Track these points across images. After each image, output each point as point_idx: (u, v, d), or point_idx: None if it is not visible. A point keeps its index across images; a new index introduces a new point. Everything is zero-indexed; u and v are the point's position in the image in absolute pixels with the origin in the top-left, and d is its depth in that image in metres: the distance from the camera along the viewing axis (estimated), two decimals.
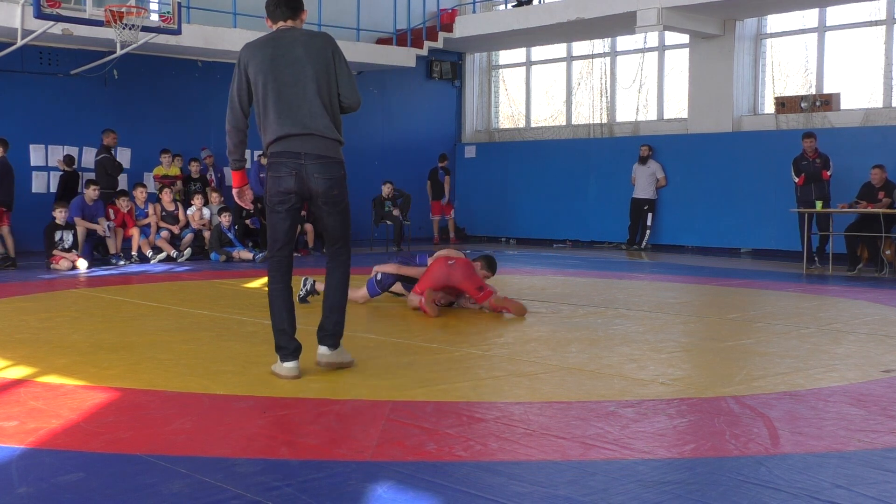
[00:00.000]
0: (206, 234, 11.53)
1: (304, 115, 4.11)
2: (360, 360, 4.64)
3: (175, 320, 6.12)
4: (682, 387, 4.11)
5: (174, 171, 12.34)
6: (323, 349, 4.31)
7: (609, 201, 14.52)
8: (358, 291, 6.77)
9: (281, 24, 4.28)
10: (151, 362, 4.60)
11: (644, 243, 13.87)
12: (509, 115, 16.96)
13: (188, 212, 11.70)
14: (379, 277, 6.78)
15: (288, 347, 4.18)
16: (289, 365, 4.19)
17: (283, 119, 4.12)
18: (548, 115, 16.38)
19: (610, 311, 6.69)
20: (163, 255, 11.12)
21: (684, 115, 14.24)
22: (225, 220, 11.31)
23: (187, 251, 11.18)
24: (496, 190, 16.02)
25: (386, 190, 13.75)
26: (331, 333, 4.30)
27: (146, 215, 11.36)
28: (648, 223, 13.85)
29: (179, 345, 5.12)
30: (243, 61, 4.21)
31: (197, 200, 11.77)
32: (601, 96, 15.26)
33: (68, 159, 11.93)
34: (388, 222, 13.67)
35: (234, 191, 4.38)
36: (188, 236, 11.48)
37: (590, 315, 6.45)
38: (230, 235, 11.32)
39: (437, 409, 3.61)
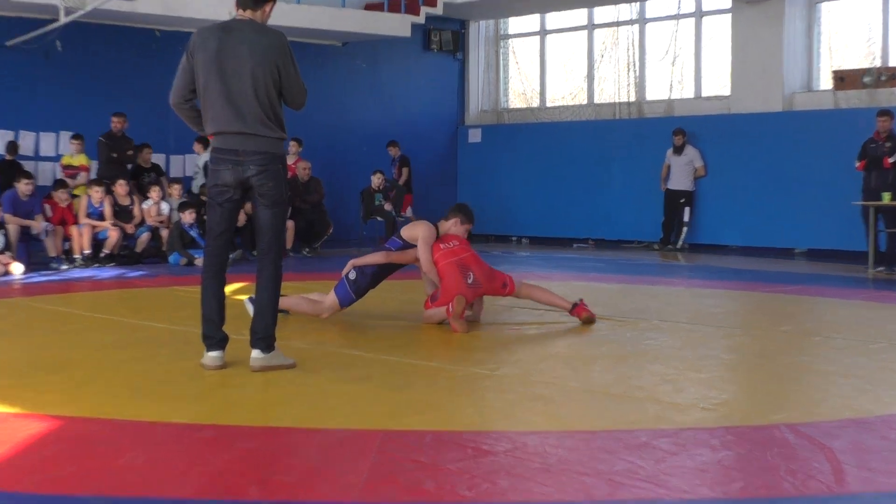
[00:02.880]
0: (165, 232, 11.50)
1: (243, 113, 4.75)
2: (345, 382, 4.63)
3: (127, 335, 6.09)
4: (728, 412, 4.09)
5: (81, 160, 12.16)
6: (255, 353, 4.83)
7: (638, 193, 14.51)
8: (324, 301, 6.44)
9: (240, 12, 4.89)
10: (99, 385, 4.58)
11: (680, 242, 13.87)
12: (521, 93, 16.96)
13: (143, 206, 11.67)
14: (353, 276, 6.40)
15: (214, 337, 4.86)
16: (213, 354, 4.86)
17: (222, 114, 4.77)
18: (566, 92, 16.39)
19: (641, 322, 6.67)
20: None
21: (726, 91, 14.23)
22: (187, 216, 11.27)
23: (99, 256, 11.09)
24: (505, 180, 16.01)
25: (376, 180, 13.74)
26: (262, 336, 4.83)
27: (100, 214, 11.22)
28: (685, 219, 13.85)
29: (132, 364, 5.10)
30: (191, 47, 4.84)
31: (154, 193, 11.73)
32: (628, 70, 15.25)
33: (10, 146, 11.93)
34: (379, 218, 13.66)
35: None
36: (144, 235, 11.46)
37: (617, 327, 6.43)
38: (193, 234, 11.28)
39: (436, 440, 3.59)
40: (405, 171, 14.90)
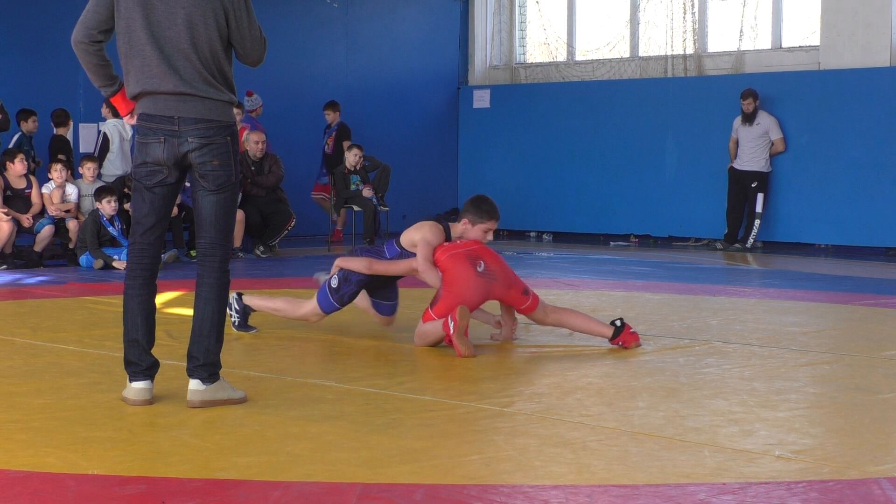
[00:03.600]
0: (72, 225, 11.49)
1: (179, 68, 4.80)
2: (311, 422, 4.65)
3: (25, 360, 6.10)
4: (812, 463, 4.11)
5: None
6: (194, 383, 4.86)
7: (696, 175, 14.50)
8: (303, 306, 6.72)
9: None
10: None
11: (751, 240, 13.87)
12: (542, 44, 16.94)
13: (43, 190, 11.62)
14: (335, 284, 6.53)
15: (139, 363, 4.88)
16: (138, 385, 4.88)
17: (151, 69, 4.81)
18: (602, 42, 16.37)
19: (698, 345, 6.69)
20: None
21: (814, 41, 14.22)
22: (106, 206, 11.24)
23: None
24: (522, 158, 15.98)
25: (352, 157, 13.72)
26: (203, 363, 4.85)
27: None
28: (758, 209, 13.83)
29: (31, 398, 5.10)
30: None
31: (56, 173, 11.66)
32: (684, 13, 15.23)
33: None
34: (356, 208, 13.64)
35: (125, 118, 5.06)
36: (45, 229, 11.43)
37: (667, 351, 6.45)
38: (113, 230, 11.28)
39: (430, 496, 3.61)
40: (346, 146, 14.24)
